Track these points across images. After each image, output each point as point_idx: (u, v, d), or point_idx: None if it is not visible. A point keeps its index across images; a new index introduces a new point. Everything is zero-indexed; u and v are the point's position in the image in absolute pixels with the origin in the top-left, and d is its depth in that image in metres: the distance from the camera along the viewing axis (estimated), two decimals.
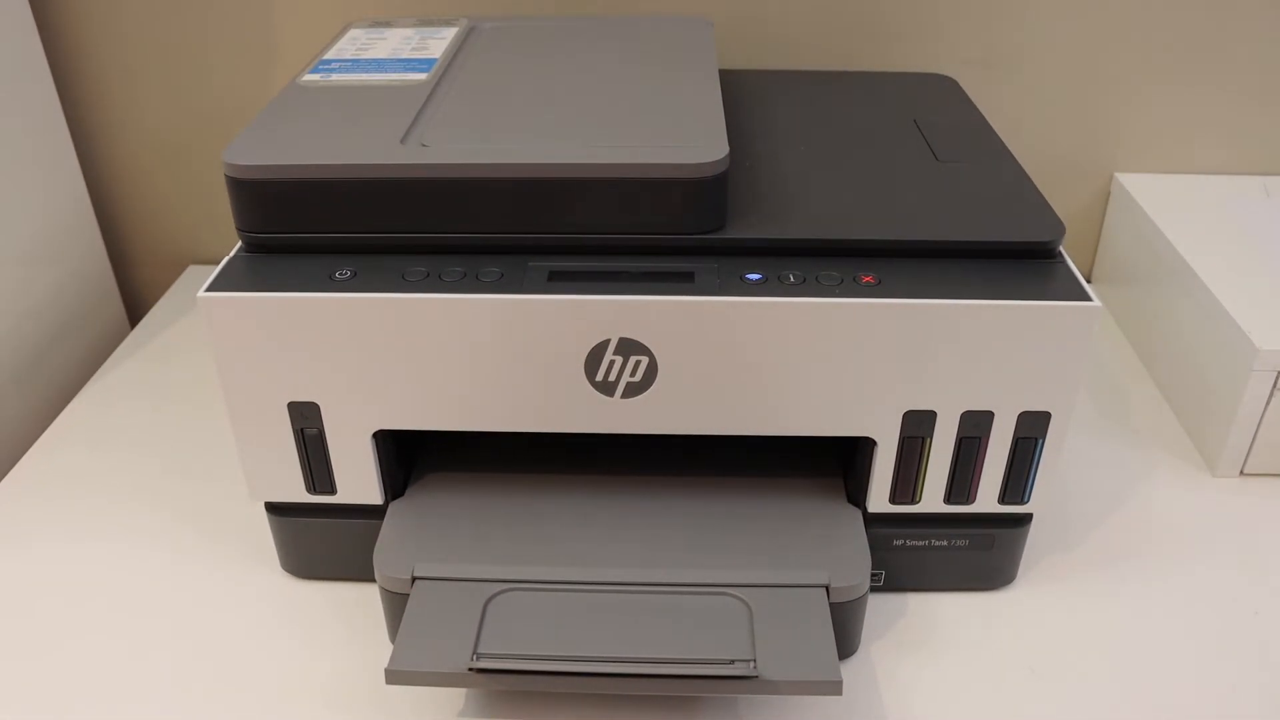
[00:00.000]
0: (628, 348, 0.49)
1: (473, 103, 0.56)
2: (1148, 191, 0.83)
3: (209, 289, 0.49)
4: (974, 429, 0.52)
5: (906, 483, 0.54)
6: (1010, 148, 0.61)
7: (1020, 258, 0.51)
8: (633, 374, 0.50)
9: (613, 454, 0.59)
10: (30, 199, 0.79)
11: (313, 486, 0.54)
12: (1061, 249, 0.51)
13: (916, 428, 0.52)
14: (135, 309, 0.94)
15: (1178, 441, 0.71)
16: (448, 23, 0.68)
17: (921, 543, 0.56)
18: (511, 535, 0.54)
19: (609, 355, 0.49)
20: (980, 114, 0.66)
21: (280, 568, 0.60)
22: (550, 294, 0.48)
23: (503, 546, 0.54)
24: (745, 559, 0.53)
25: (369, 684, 0.53)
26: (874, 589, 0.57)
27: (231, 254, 0.51)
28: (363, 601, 0.57)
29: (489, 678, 0.47)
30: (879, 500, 0.54)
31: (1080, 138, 0.86)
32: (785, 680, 0.47)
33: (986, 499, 0.54)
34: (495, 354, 0.49)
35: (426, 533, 0.54)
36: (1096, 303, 0.48)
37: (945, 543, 0.56)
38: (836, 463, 0.59)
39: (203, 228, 0.93)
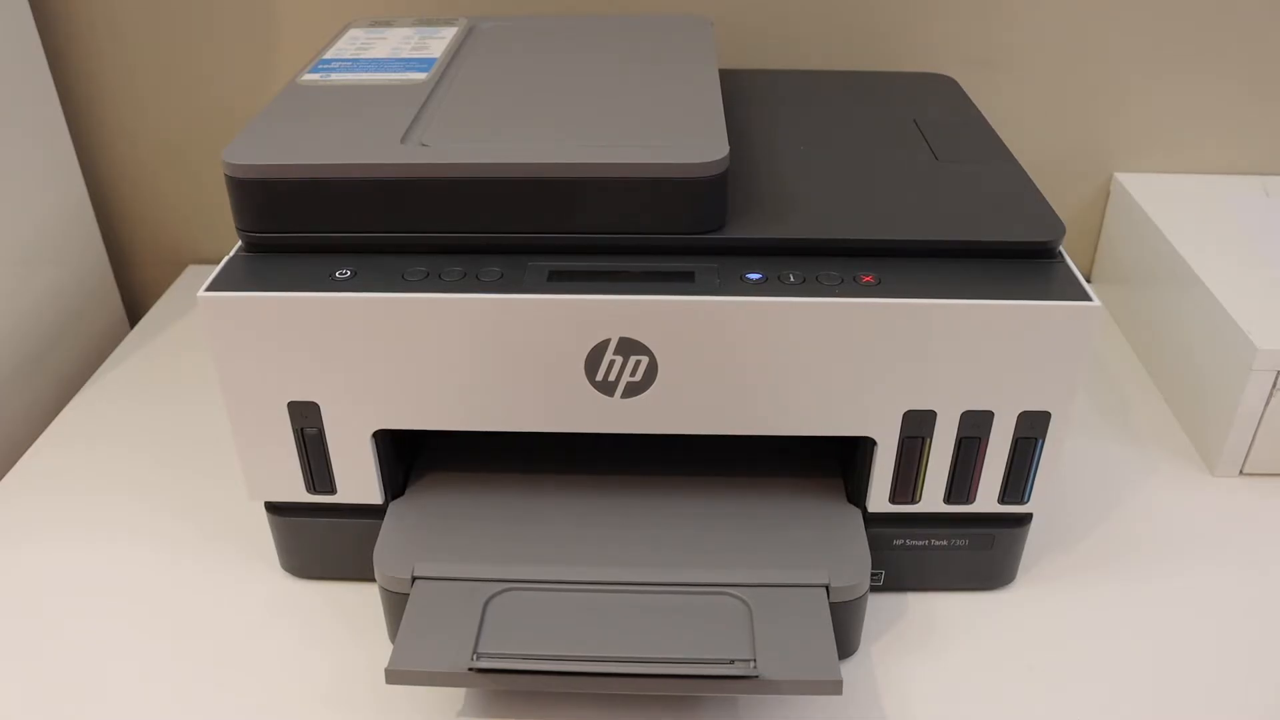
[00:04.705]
0: (628, 347, 0.49)
1: (472, 102, 0.56)
2: (1148, 191, 0.83)
3: (209, 289, 0.49)
4: (974, 429, 0.52)
5: (906, 483, 0.54)
6: (1010, 148, 0.61)
7: (1020, 258, 0.51)
8: (633, 374, 0.50)
9: (613, 454, 0.59)
10: (30, 199, 0.79)
11: (312, 486, 0.54)
12: (1061, 249, 0.51)
13: (916, 428, 0.52)
14: (135, 309, 0.94)
15: (1177, 441, 0.71)
16: (447, 22, 0.68)
17: (921, 542, 0.56)
18: (511, 535, 0.54)
19: (609, 355, 0.49)
20: (980, 114, 0.66)
21: (280, 567, 0.60)
22: (550, 294, 0.48)
23: (503, 546, 0.53)
24: (745, 559, 0.53)
25: (369, 684, 0.53)
26: (874, 589, 0.57)
27: (231, 254, 0.51)
28: (363, 601, 0.57)
29: (489, 678, 0.47)
30: (879, 500, 0.54)
31: (1080, 138, 0.86)
32: (785, 680, 0.47)
33: (986, 499, 0.54)
34: (495, 354, 0.49)
35: (426, 533, 0.54)
36: (1096, 303, 0.48)
37: (945, 542, 0.56)
38: (836, 463, 0.59)
39: (203, 228, 0.93)
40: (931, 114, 0.66)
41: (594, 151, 0.50)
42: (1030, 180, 0.56)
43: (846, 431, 0.52)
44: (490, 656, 0.48)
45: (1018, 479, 0.53)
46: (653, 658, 0.48)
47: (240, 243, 0.52)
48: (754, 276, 0.49)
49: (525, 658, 0.48)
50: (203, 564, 0.61)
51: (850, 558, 0.52)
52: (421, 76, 0.59)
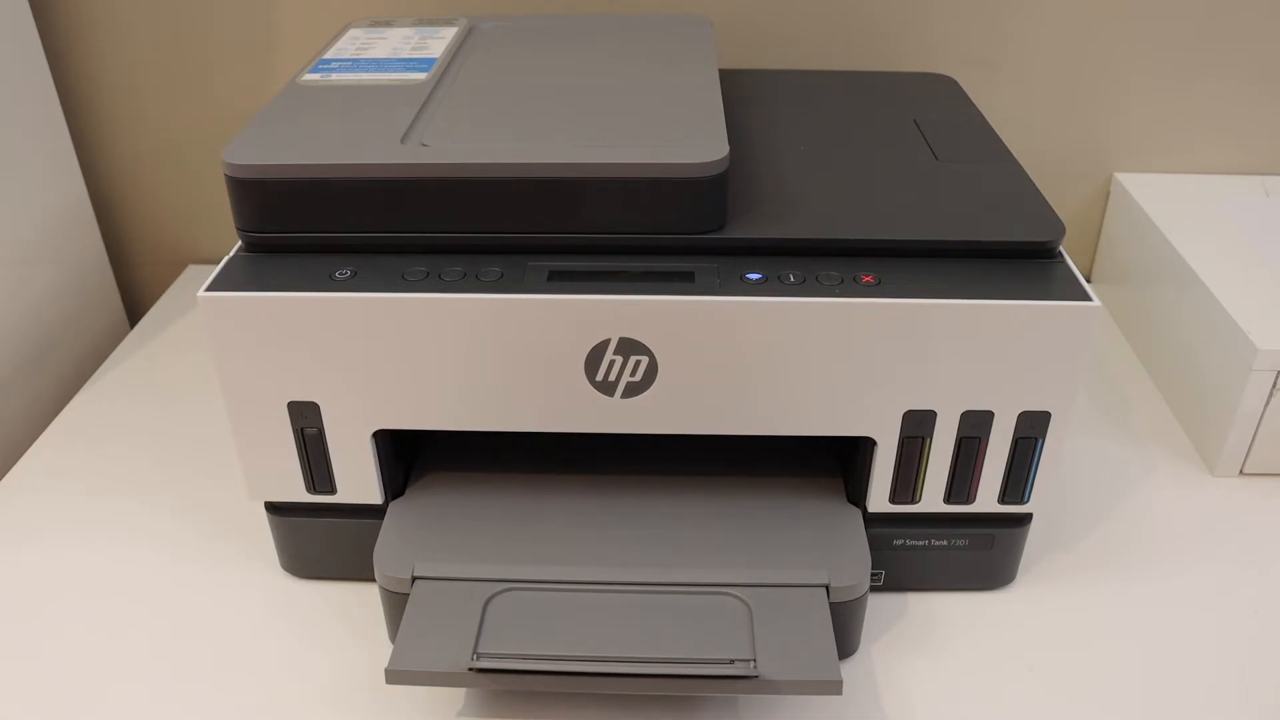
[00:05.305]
0: (628, 347, 0.49)
1: (472, 102, 0.56)
2: (1148, 191, 0.83)
3: (209, 288, 0.49)
4: (974, 429, 0.52)
5: (906, 482, 0.54)
6: (1010, 148, 0.61)
7: (1020, 258, 0.51)
8: (633, 374, 0.50)
9: (613, 454, 0.59)
10: (30, 199, 0.79)
11: (312, 486, 0.54)
12: (1061, 249, 0.51)
13: (916, 428, 0.52)
14: (135, 309, 0.94)
15: (1177, 441, 0.71)
16: (447, 22, 0.68)
17: (921, 542, 0.56)
18: (511, 535, 0.54)
19: (609, 355, 0.49)
20: (980, 114, 0.66)
21: (280, 567, 0.60)
22: (550, 294, 0.48)
23: (503, 546, 0.53)
24: (745, 559, 0.53)
25: (369, 684, 0.53)
26: (874, 589, 0.57)
27: (231, 254, 0.52)
28: (363, 601, 0.57)
29: (489, 678, 0.47)
30: (879, 500, 0.54)
31: (1080, 138, 0.86)
32: (785, 680, 0.47)
33: (986, 499, 0.54)
34: (495, 354, 0.49)
35: (426, 533, 0.54)
36: (1096, 303, 0.48)
37: (945, 542, 0.56)
38: (836, 463, 0.59)
39: (203, 228, 0.93)
40: (931, 114, 0.66)
41: (594, 151, 0.50)
42: (1030, 180, 0.56)
43: (846, 431, 0.52)
44: (490, 656, 0.48)
45: (1018, 479, 0.53)
46: (653, 658, 0.48)
47: (240, 243, 0.52)
48: (754, 276, 0.49)
49: (525, 658, 0.48)
50: (203, 564, 0.61)
51: (850, 558, 0.52)
52: (421, 76, 0.59)
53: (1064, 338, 0.49)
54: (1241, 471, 0.68)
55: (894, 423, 0.51)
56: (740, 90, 0.69)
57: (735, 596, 0.51)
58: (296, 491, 0.55)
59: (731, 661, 0.48)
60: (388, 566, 0.52)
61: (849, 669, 0.54)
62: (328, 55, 0.62)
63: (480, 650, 0.48)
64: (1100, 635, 0.56)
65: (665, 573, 0.52)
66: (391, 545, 0.53)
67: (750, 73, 0.74)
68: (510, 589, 0.51)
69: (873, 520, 0.55)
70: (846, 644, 0.54)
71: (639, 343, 0.49)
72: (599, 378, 0.50)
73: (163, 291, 0.90)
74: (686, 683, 0.48)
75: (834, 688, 0.47)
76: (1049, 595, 0.59)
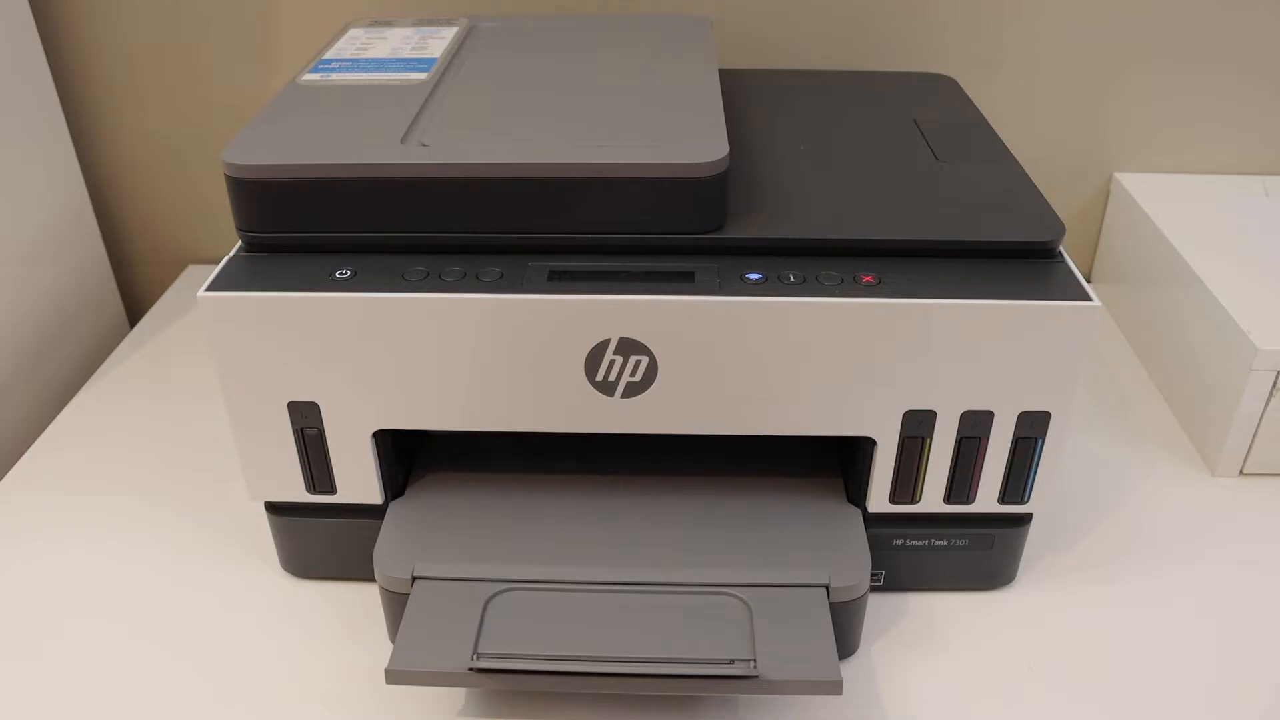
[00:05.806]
0: (628, 347, 0.49)
1: (473, 102, 0.56)
2: (1148, 191, 0.83)
3: (209, 288, 0.49)
4: (974, 429, 0.52)
5: (906, 483, 0.54)
6: (1010, 148, 0.61)
7: (1020, 258, 0.51)
8: (633, 374, 0.50)
9: (613, 454, 0.59)
10: (30, 199, 0.79)
11: (313, 486, 0.54)
12: (1061, 249, 0.52)
13: (916, 428, 0.52)
14: (135, 308, 0.94)
15: (1177, 441, 0.71)
16: (448, 22, 0.68)
17: (921, 543, 0.56)
18: (511, 535, 0.54)
19: (609, 355, 0.49)
20: (980, 114, 0.66)
21: (280, 568, 0.60)
22: (550, 294, 0.48)
23: (503, 546, 0.54)
24: (745, 559, 0.53)
25: (369, 684, 0.53)
26: (874, 589, 0.57)
27: (231, 254, 0.52)
28: (363, 601, 0.57)
29: (489, 678, 0.47)
30: (879, 500, 0.54)
31: (1080, 138, 0.86)
32: (785, 680, 0.47)
33: (986, 499, 0.54)
34: (495, 354, 0.49)
35: (426, 533, 0.54)
36: (1096, 303, 0.48)
37: (945, 543, 0.56)
38: (836, 463, 0.59)
39: (203, 228, 0.93)
40: (931, 114, 0.66)
41: (594, 151, 0.50)
42: (1030, 180, 0.56)
43: (846, 431, 0.52)
44: (490, 656, 0.48)
45: (1018, 479, 0.53)
46: (653, 658, 0.48)
47: (240, 243, 0.52)
48: (754, 276, 0.49)
49: (525, 658, 0.48)
50: (203, 564, 0.61)
51: (850, 558, 0.52)
52: (421, 76, 0.59)
53: (1064, 338, 0.49)
54: (1241, 471, 0.68)
55: (894, 423, 0.51)
56: (740, 90, 0.69)
57: (735, 596, 0.51)
58: (296, 491, 0.55)
59: (731, 661, 0.48)
60: (388, 566, 0.52)
61: (849, 669, 0.54)
62: (328, 55, 0.62)
63: (480, 650, 0.48)
64: (1100, 635, 0.56)
65: (665, 573, 0.52)
66: (391, 545, 0.53)
67: (750, 73, 0.74)
68: (510, 589, 0.51)
69: (873, 520, 0.55)
70: (846, 644, 0.54)
71: (639, 343, 0.49)
72: (599, 378, 0.50)
73: (163, 291, 0.90)
74: (686, 683, 0.48)
75: (834, 688, 0.47)
76: (1049, 595, 0.59)
